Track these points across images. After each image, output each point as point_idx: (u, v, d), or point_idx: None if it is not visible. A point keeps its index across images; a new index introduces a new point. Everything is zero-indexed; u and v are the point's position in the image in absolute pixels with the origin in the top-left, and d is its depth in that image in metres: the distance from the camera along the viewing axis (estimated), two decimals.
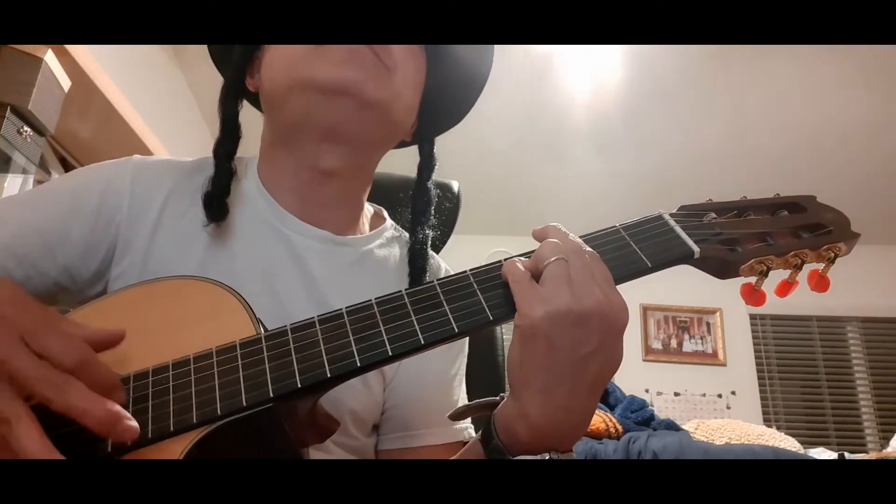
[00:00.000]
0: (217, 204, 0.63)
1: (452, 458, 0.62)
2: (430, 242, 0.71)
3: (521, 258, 0.49)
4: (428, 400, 0.68)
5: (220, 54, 0.74)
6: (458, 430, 0.68)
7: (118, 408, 0.38)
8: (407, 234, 0.74)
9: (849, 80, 2.70)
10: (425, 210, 0.71)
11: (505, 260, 0.49)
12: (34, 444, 0.35)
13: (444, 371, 0.70)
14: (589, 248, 0.48)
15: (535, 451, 0.46)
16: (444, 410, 0.66)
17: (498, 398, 0.51)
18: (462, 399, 0.72)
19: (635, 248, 0.50)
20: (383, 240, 0.74)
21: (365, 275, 0.69)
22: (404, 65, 0.64)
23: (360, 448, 0.65)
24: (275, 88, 0.64)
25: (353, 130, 0.63)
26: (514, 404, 0.47)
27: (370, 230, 0.75)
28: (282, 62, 0.63)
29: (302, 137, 0.65)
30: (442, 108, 0.76)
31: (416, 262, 0.68)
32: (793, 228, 0.53)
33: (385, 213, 0.79)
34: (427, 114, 0.73)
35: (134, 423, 0.38)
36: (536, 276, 0.46)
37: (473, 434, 0.69)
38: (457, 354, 0.72)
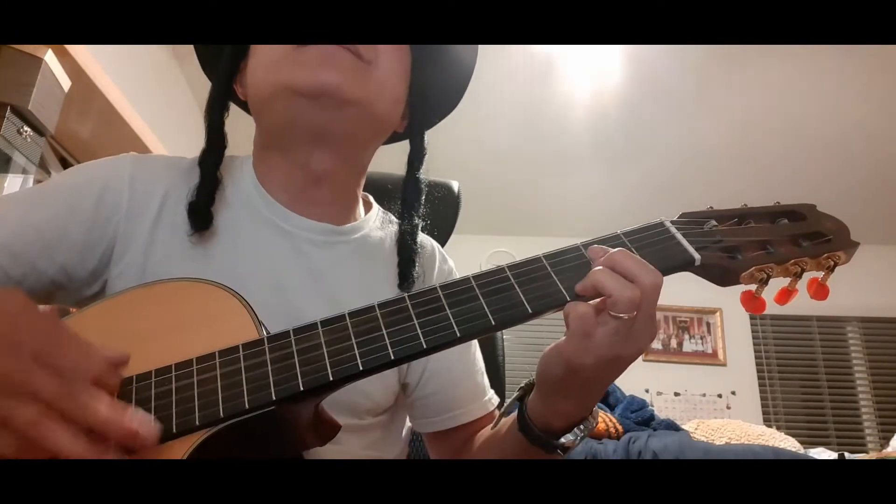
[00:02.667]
0: (201, 213, 0.63)
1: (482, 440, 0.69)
2: (418, 232, 0.72)
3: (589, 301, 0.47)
4: (460, 382, 0.72)
5: (211, 64, 0.74)
6: (487, 401, 0.74)
7: (140, 416, 0.39)
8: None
9: (849, 79, 2.70)
10: (415, 200, 0.72)
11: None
12: (69, 440, 0.36)
13: (465, 352, 0.74)
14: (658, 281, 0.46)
15: (566, 432, 0.53)
16: (476, 387, 0.74)
17: (527, 385, 0.56)
18: (483, 369, 0.77)
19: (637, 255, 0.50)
20: (376, 223, 0.75)
21: (366, 261, 0.70)
22: (386, 56, 0.64)
23: (368, 428, 0.66)
24: (258, 95, 0.65)
25: (338, 129, 0.64)
26: (548, 404, 0.52)
27: (364, 216, 0.76)
28: (262, 68, 0.64)
29: (291, 140, 0.66)
30: (432, 100, 0.76)
31: (405, 252, 0.69)
32: (793, 237, 0.54)
33: (371, 198, 0.80)
34: (417, 107, 0.74)
35: (154, 430, 0.39)
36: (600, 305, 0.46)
37: (497, 398, 0.76)
38: None
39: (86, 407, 0.37)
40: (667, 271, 0.50)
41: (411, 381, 0.70)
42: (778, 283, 0.54)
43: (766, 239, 0.53)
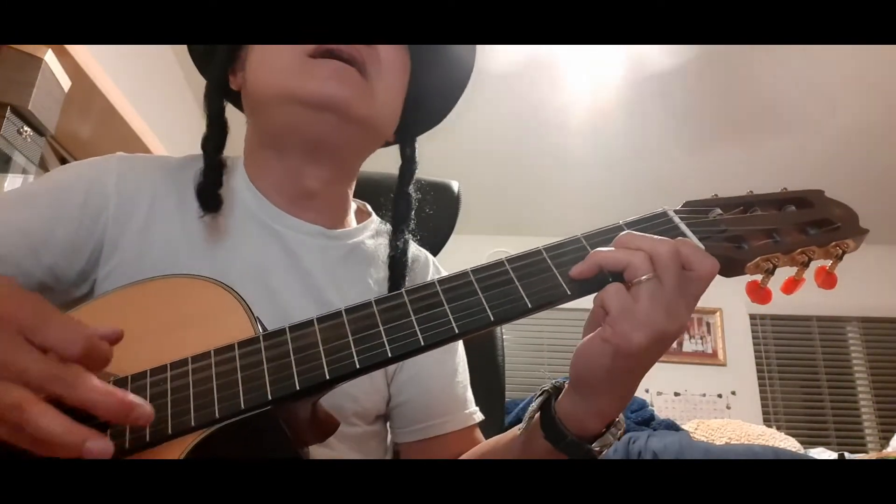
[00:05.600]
0: (211, 194, 0.63)
1: (476, 445, 0.67)
2: (409, 247, 0.71)
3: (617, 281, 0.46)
4: (441, 390, 0.70)
5: (201, 52, 0.74)
6: (470, 413, 0.71)
7: (130, 396, 0.37)
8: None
9: (851, 79, 2.69)
10: (406, 216, 0.71)
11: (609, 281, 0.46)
12: (51, 422, 0.34)
13: (450, 360, 0.72)
14: (681, 252, 0.45)
15: (601, 433, 0.51)
16: (457, 397, 0.71)
17: (545, 397, 0.53)
18: (467, 381, 0.74)
19: None
20: (371, 232, 0.75)
21: (357, 267, 0.70)
22: (389, 69, 0.64)
23: (361, 435, 0.66)
24: (260, 95, 0.64)
25: (337, 143, 0.64)
26: (585, 402, 0.49)
27: (357, 224, 0.75)
28: (268, 69, 0.63)
29: (287, 147, 0.66)
30: (424, 108, 0.76)
31: (396, 268, 0.68)
32: (800, 224, 0.52)
33: (369, 208, 0.80)
34: (409, 114, 0.73)
35: (148, 408, 0.38)
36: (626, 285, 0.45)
37: (481, 415, 0.72)
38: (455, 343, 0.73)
39: (73, 387, 0.35)
40: None
41: (392, 388, 0.68)
42: (783, 271, 0.52)
43: (773, 227, 0.51)
